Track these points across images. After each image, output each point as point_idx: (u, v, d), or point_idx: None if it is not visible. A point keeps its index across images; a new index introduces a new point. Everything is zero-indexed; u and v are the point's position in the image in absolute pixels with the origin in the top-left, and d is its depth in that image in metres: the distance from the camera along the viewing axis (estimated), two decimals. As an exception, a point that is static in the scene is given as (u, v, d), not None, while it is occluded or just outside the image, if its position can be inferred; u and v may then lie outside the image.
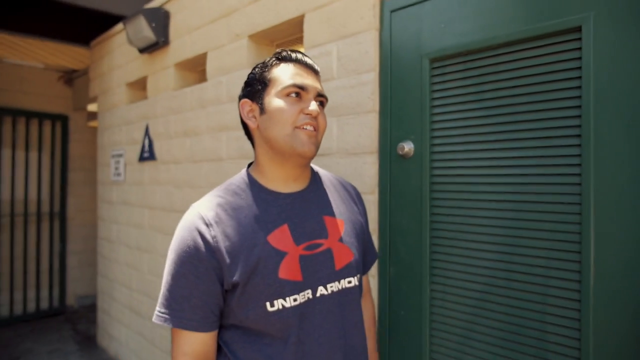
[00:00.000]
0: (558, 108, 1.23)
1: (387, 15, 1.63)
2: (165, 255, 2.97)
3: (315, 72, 1.12)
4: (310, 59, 1.12)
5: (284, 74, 1.05)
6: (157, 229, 3.08)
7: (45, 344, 4.13)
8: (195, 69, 2.90)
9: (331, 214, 1.12)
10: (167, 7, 2.91)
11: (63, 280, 5.07)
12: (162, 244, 3.01)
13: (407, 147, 1.56)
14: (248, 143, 2.22)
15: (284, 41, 2.28)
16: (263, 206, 1.04)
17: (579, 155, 1.18)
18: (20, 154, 4.68)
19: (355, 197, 1.25)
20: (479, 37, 1.36)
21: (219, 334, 1.04)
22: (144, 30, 2.82)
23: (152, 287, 3.14)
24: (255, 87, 1.09)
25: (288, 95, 1.04)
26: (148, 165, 3.19)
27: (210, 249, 0.96)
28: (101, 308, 4.02)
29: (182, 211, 2.77)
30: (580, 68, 1.18)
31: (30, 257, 4.80)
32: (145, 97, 3.25)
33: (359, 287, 1.13)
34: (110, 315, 3.82)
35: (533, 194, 1.27)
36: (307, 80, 1.06)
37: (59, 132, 4.99)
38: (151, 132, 3.13)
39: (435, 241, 1.51)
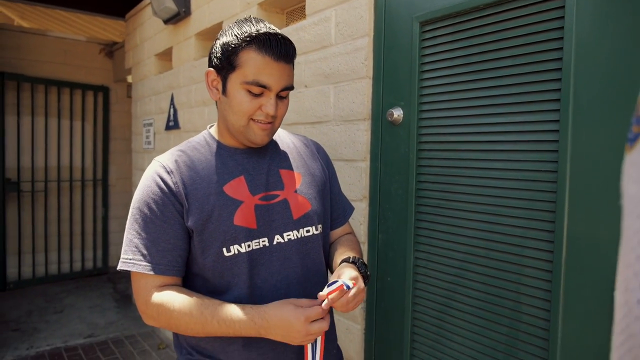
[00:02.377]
0: (540, 71, 1.17)
1: (381, -23, 1.59)
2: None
3: (288, 61, 1.05)
4: (286, 43, 1.02)
5: (251, 66, 0.99)
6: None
7: (87, 299, 4.44)
8: (215, 39, 2.95)
9: (287, 167, 1.15)
10: (189, -23, 2.95)
11: (106, 243, 5.39)
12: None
13: (397, 113, 1.54)
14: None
15: (292, 9, 2.28)
16: (221, 160, 1.08)
17: (557, 121, 1.14)
18: (65, 123, 4.96)
19: (316, 152, 1.26)
20: (465, -3, 1.31)
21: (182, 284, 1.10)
22: (166, 1, 2.88)
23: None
24: (222, 62, 1.03)
25: (250, 91, 1.01)
26: (173, 133, 3.31)
27: (173, 193, 1.01)
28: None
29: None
30: (562, 28, 1.12)
31: (76, 221, 5.13)
32: (171, 68, 3.35)
33: (319, 236, 1.15)
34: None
35: (515, 161, 1.23)
36: (274, 77, 1.01)
37: (100, 103, 5.23)
38: (175, 101, 3.23)
39: (420, 209, 1.50)
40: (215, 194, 1.04)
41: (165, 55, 3.50)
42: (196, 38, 2.92)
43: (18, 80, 4.56)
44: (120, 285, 4.93)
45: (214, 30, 2.75)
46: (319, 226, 1.16)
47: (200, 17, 2.82)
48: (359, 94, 1.68)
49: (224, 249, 1.03)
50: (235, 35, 1.01)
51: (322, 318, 0.96)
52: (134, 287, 1.05)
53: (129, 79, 4.85)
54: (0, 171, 4.52)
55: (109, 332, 3.68)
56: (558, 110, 1.14)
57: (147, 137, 3.78)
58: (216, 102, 1.15)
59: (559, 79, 1.13)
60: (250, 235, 1.04)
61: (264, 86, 1.00)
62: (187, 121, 3.05)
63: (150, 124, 3.70)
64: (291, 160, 1.17)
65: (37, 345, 3.38)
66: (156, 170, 1.05)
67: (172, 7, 2.90)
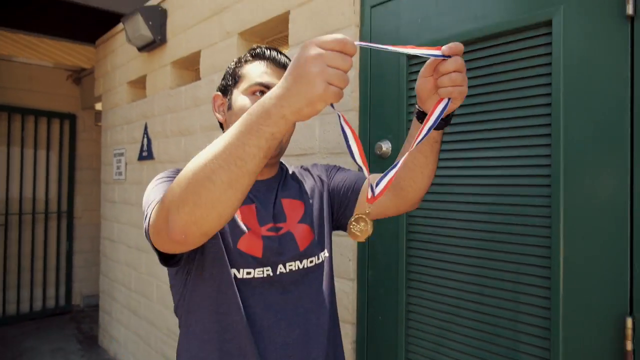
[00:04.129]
0: (529, 106, 1.17)
1: (368, 11, 1.58)
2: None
3: None
4: (287, 57, 1.09)
5: (253, 72, 1.04)
6: (153, 229, 3.07)
7: (48, 342, 4.16)
8: (192, 67, 2.89)
9: (289, 196, 1.11)
10: (164, 5, 2.90)
11: (69, 279, 5.12)
12: (158, 243, 3.00)
13: (385, 146, 1.51)
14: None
15: (274, 38, 2.25)
16: None
17: (549, 156, 1.13)
18: (28, 153, 4.75)
19: (312, 171, 1.21)
20: (454, 32, 1.31)
21: (182, 305, 1.02)
22: (141, 28, 2.82)
23: (149, 288, 3.13)
24: (227, 81, 1.09)
25: (253, 93, 1.02)
26: (147, 164, 3.19)
27: None
28: (102, 308, 4.04)
29: (176, 211, 2.75)
30: (550, 64, 1.13)
31: (38, 256, 4.86)
32: (144, 96, 3.26)
33: (322, 264, 1.11)
34: (110, 315, 3.84)
35: (506, 195, 1.21)
36: (276, 79, 1.03)
37: (67, 131, 5.05)
38: (149, 131, 3.13)
39: (412, 244, 1.46)
40: None
41: (139, 83, 3.41)
42: (172, 66, 2.86)
43: (-21, 108, 4.36)
44: (84, 326, 4.66)
45: (192, 59, 2.70)
46: (325, 251, 1.11)
47: (177, 45, 2.77)
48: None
49: (225, 270, 0.97)
50: (238, 58, 1.10)
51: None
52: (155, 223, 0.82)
53: (98, 106, 4.70)
54: (-43, 204, 4.26)
55: (73, 376, 3.44)
56: (549, 145, 1.13)
57: (118, 167, 3.64)
58: (222, 128, 1.13)
59: (549, 114, 1.13)
60: (254, 262, 1.00)
61: (266, 85, 1.01)
62: (163, 152, 2.95)
63: (122, 154, 3.57)
64: (293, 190, 1.13)
65: (-8, 393, 3.12)
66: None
67: (148, 34, 2.84)
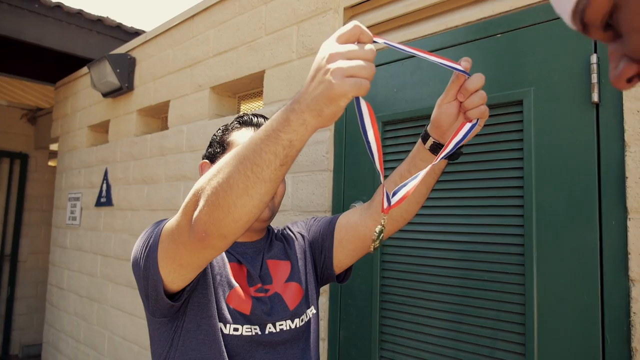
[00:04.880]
0: (503, 178, 1.25)
1: (343, 77, 1.65)
2: (115, 307, 2.83)
3: None
4: None
5: (241, 139, 1.05)
6: (109, 278, 2.95)
7: (-20, 399, 3.81)
8: (159, 116, 2.88)
9: (274, 257, 1.11)
10: (134, 53, 2.91)
11: (8, 328, 4.76)
12: (113, 294, 2.87)
13: (359, 207, 1.55)
14: (205, 194, 2.18)
15: (246, 94, 2.30)
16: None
17: (522, 226, 1.19)
18: (-27, 193, 4.49)
19: (293, 229, 1.21)
20: (429, 104, 1.39)
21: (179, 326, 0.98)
22: (108, 75, 2.80)
23: (101, 341, 2.96)
24: (215, 149, 1.10)
25: None
26: (105, 210, 3.09)
27: None
28: (45, 360, 3.76)
29: (135, 261, 2.66)
30: (522, 140, 1.21)
31: (-26, 302, 4.51)
32: (106, 141, 3.19)
33: (309, 322, 1.10)
34: (54, 368, 3.58)
35: (480, 262, 1.27)
36: None
37: (17, 171, 4.82)
38: (110, 177, 3.06)
39: (385, 305, 1.48)
40: (222, 264, 1.00)
41: (101, 128, 3.35)
42: (138, 114, 2.84)
43: None
44: (22, 378, 4.31)
45: (160, 108, 2.69)
46: (312, 308, 1.11)
47: (145, 93, 2.76)
48: (319, 186, 1.68)
49: (211, 321, 0.95)
50: (224, 125, 1.12)
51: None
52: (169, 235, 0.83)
53: (53, 146, 4.55)
54: None
55: None
56: (522, 215, 1.20)
57: (73, 212, 3.50)
58: None
59: (521, 186, 1.20)
60: (241, 319, 0.98)
61: None
62: (123, 199, 2.88)
63: (77, 199, 3.44)
64: (279, 248, 1.13)
65: None
66: None
67: (115, 81, 2.82)
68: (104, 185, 3.09)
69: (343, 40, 0.61)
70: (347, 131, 1.63)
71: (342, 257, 1.12)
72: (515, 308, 1.19)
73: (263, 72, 1.96)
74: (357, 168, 1.59)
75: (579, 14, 0.40)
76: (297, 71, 1.80)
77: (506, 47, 1.28)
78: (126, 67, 2.84)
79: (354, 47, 0.59)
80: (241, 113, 1.12)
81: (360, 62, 0.58)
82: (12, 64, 3.80)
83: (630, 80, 0.43)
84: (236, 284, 1.00)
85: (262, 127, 0.67)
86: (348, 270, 1.19)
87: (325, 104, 0.59)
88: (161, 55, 2.64)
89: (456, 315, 1.30)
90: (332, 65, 0.58)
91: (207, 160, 1.11)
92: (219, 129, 1.14)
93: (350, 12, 1.71)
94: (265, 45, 1.96)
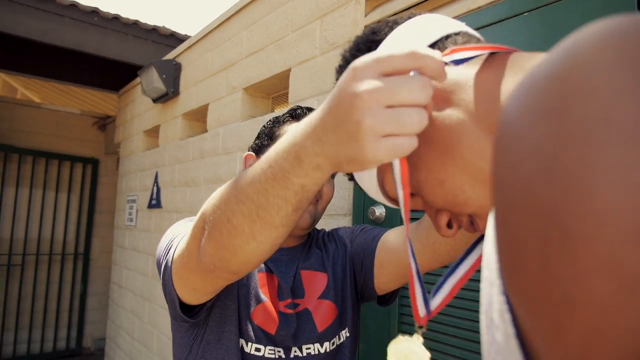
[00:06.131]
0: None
1: (363, 71, 1.55)
2: (162, 306, 2.91)
3: None
4: None
5: None
6: (158, 278, 3.04)
7: (52, 387, 4.10)
8: (202, 119, 2.92)
9: (310, 267, 0.99)
10: (179, 59, 2.98)
11: (81, 321, 5.09)
12: (162, 294, 2.94)
13: (378, 211, 1.44)
14: (237, 196, 2.16)
15: (279, 94, 2.25)
16: None
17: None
18: (50, 195, 4.85)
19: (336, 235, 1.09)
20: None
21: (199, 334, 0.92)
22: (155, 81, 2.89)
23: (150, 339, 3.06)
24: (262, 141, 1.01)
25: None
26: (155, 212, 3.19)
27: None
28: (107, 354, 3.97)
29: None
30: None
31: (52, 297, 4.87)
32: (157, 146, 3.30)
33: (342, 345, 0.98)
34: (114, 362, 3.76)
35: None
36: None
37: (89, 175, 5.16)
38: (159, 180, 3.15)
39: (404, 319, 1.35)
40: (250, 274, 0.91)
41: (153, 133, 3.47)
42: (183, 118, 2.90)
43: (6, 151, 4.52)
44: (91, 370, 4.59)
45: (200, 112, 2.72)
46: (346, 330, 0.99)
47: (188, 98, 2.81)
48: (340, 188, 1.58)
49: (232, 335, 0.88)
50: (277, 116, 1.02)
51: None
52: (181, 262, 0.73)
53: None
54: (-24, 244, 4.34)
55: None
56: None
57: (130, 213, 3.66)
58: None
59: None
60: (265, 339, 0.90)
61: None
62: (169, 201, 2.95)
63: (134, 201, 3.59)
64: (316, 257, 1.02)
65: None
66: None
67: (161, 87, 2.90)
68: (155, 188, 3.19)
69: (388, 70, 0.40)
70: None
71: (384, 280, 0.97)
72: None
73: (289, 70, 1.91)
74: (377, 168, 1.48)
75: (384, 193, 0.49)
76: (320, 67, 1.72)
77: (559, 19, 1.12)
78: (172, 73, 2.91)
79: (402, 83, 0.39)
80: (294, 106, 1.02)
81: (409, 114, 0.39)
82: (78, 74, 4.06)
83: (450, 227, 0.48)
84: (264, 298, 0.91)
85: (265, 159, 0.51)
86: (393, 293, 1.03)
87: (347, 163, 0.43)
88: (201, 59, 2.67)
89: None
90: (367, 119, 0.39)
91: (252, 153, 1.01)
92: (270, 120, 1.03)
93: (374, 2, 1.60)
94: (291, 43, 1.90)
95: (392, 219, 1.40)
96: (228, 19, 2.41)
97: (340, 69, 0.56)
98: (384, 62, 0.39)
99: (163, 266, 0.80)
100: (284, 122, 0.99)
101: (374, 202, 1.47)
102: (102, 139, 5.28)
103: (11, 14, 3.08)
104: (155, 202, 3.17)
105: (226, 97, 2.37)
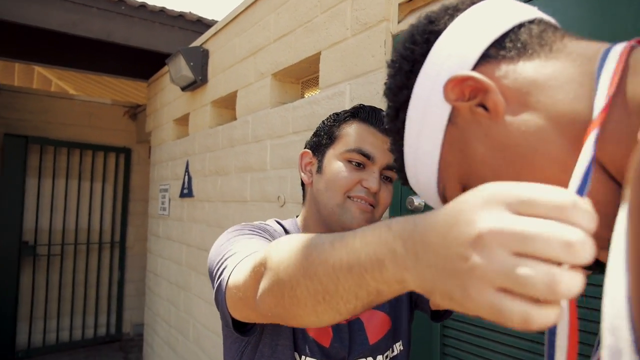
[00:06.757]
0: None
1: (399, 52, 1.45)
2: (197, 295, 2.92)
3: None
4: None
5: (354, 135, 0.90)
6: (192, 267, 3.05)
7: (95, 371, 4.23)
8: (231, 107, 2.88)
9: None
10: (207, 46, 2.93)
11: (120, 308, 5.22)
12: (196, 283, 2.96)
13: (417, 201, 1.36)
14: (270, 185, 2.11)
15: (308, 79, 2.17)
16: None
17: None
18: (85, 185, 4.95)
19: None
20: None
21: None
22: (182, 69, 2.85)
23: (187, 327, 3.08)
24: (320, 139, 0.96)
25: (350, 160, 0.88)
26: (187, 201, 3.19)
27: None
28: (146, 340, 4.05)
29: (211, 251, 2.71)
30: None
31: (91, 284, 5.00)
32: (187, 134, 3.28)
33: (395, 358, 0.93)
34: (152, 348, 3.83)
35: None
36: (378, 149, 0.88)
37: (122, 164, 5.23)
38: (190, 169, 3.14)
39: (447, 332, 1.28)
40: None
41: (183, 121, 3.46)
42: (212, 105, 2.86)
43: (41, 143, 4.61)
44: (131, 355, 4.71)
45: (229, 99, 2.68)
46: (399, 343, 0.94)
47: (216, 85, 2.77)
48: (376, 177, 1.51)
49: (287, 350, 0.84)
50: (337, 113, 0.97)
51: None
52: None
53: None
54: (18, 235, 4.47)
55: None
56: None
57: (163, 202, 3.68)
58: (304, 191, 1.01)
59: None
60: (319, 353, 0.86)
61: (367, 155, 0.86)
62: (201, 190, 2.94)
63: (166, 190, 3.61)
64: None
65: None
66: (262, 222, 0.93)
67: (189, 75, 2.86)
68: (186, 177, 3.19)
69: (527, 213, 0.29)
70: (405, 114, 1.44)
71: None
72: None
73: (319, 53, 1.82)
74: (416, 155, 1.39)
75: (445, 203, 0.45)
76: (351, 50, 1.63)
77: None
78: (199, 60, 2.87)
79: (541, 231, 0.28)
80: (358, 104, 0.96)
81: (537, 272, 0.28)
82: (107, 63, 4.08)
83: None
84: None
85: (346, 240, 0.44)
86: (447, 311, 0.96)
87: (440, 296, 0.35)
88: (229, 45, 2.62)
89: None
90: (479, 259, 0.30)
91: (309, 150, 0.97)
92: (329, 117, 0.98)
93: (409, -23, 1.49)
94: (321, 25, 1.81)
95: (431, 209, 1.32)
96: (254, 2, 2.33)
97: (393, 65, 0.51)
98: (526, 203, 0.29)
99: (216, 285, 0.74)
100: (345, 121, 0.93)
101: (411, 192, 1.39)
102: (133, 128, 5.33)
103: (41, 7, 3.09)
104: (187, 191, 3.16)
105: (255, 84, 2.31)
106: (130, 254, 5.31)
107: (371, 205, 0.87)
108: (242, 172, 2.39)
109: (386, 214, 1.47)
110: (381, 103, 1.48)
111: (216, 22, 3.80)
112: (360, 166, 0.87)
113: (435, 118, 0.45)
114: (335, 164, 0.88)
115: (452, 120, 0.44)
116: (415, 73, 0.47)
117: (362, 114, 0.92)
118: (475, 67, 0.43)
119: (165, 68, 3.70)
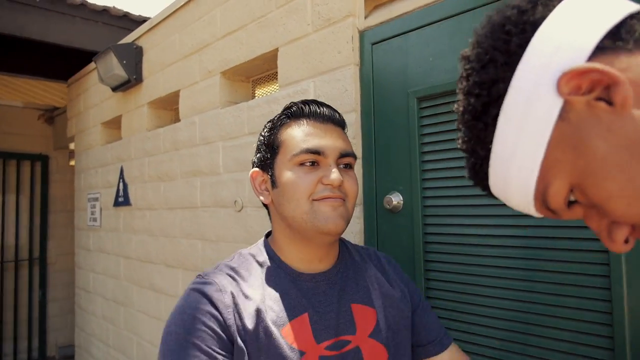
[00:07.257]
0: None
1: (368, 48, 1.42)
2: (141, 310, 2.71)
3: (336, 123, 0.90)
4: (330, 107, 0.91)
5: (295, 137, 0.85)
6: (133, 281, 2.83)
7: (18, 403, 3.81)
8: (171, 107, 2.71)
9: (361, 301, 0.87)
10: (140, 42, 2.73)
11: (43, 330, 4.76)
12: (139, 297, 2.75)
13: (395, 200, 1.33)
14: (225, 190, 2.00)
15: (260, 77, 2.09)
16: (280, 287, 0.83)
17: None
18: (-4, 198, 4.45)
19: (389, 271, 0.98)
20: (474, 72, 1.15)
21: None
22: (114, 67, 2.63)
23: (129, 344, 2.86)
24: (265, 153, 0.89)
25: (302, 164, 0.83)
26: (123, 210, 2.96)
27: (224, 325, 0.75)
28: (78, 363, 3.72)
29: (157, 263, 2.53)
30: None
31: (7, 307, 4.51)
32: (120, 138, 3.04)
33: None
34: (87, 372, 3.53)
35: (551, 261, 1.04)
36: (325, 140, 0.84)
37: (38, 173, 4.77)
38: (126, 175, 2.91)
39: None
40: (268, 337, 0.77)
41: (114, 124, 3.20)
42: (149, 107, 2.66)
43: (-59, 153, 4.08)
44: (59, 380, 4.31)
45: (170, 99, 2.51)
46: None
47: (154, 84, 2.58)
48: (348, 176, 1.46)
49: None
50: (271, 120, 0.92)
51: None
52: None
53: (72, 146, 4.45)
54: None
55: None
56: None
57: (93, 213, 3.39)
58: (268, 210, 0.93)
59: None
60: None
61: (316, 151, 0.81)
62: (140, 198, 2.73)
63: (96, 199, 3.33)
64: (364, 291, 0.89)
65: None
66: (205, 292, 0.78)
67: (122, 74, 2.65)
68: (121, 184, 2.95)
69: None
70: (376, 112, 1.41)
71: None
72: (599, 318, 0.96)
73: (276, 50, 1.75)
74: (389, 154, 1.37)
75: (543, 203, 0.44)
76: (314, 46, 1.58)
77: None
78: (133, 58, 2.66)
79: None
80: (288, 104, 0.90)
81: None
82: (19, 63, 3.68)
83: (627, 241, 0.44)
84: (301, 352, 0.77)
85: None
86: None
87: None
88: (168, 41, 2.45)
89: (521, 324, 1.08)
90: None
91: (257, 169, 0.91)
92: (265, 127, 0.92)
93: (372, -27, 1.47)
94: (277, 20, 1.73)
95: (412, 209, 1.30)
96: (196, -4, 2.20)
97: (481, 57, 0.47)
98: None
99: None
100: (281, 126, 0.88)
101: (388, 190, 1.36)
102: (50, 133, 4.87)
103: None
104: (122, 200, 2.93)
105: (201, 82, 2.18)
106: (52, 270, 4.86)
107: (341, 199, 0.83)
108: (190, 176, 2.25)
109: (361, 213, 1.44)
110: (351, 99, 1.45)
111: (144, 17, 3.57)
112: (314, 164, 0.83)
113: (542, 114, 0.41)
114: (287, 173, 0.83)
115: (561, 115, 0.41)
116: (512, 65, 0.43)
117: (295, 111, 0.88)
118: (589, 59, 0.40)
119: (89, 67, 3.42)
